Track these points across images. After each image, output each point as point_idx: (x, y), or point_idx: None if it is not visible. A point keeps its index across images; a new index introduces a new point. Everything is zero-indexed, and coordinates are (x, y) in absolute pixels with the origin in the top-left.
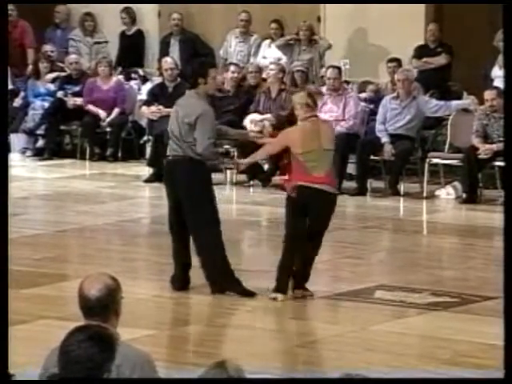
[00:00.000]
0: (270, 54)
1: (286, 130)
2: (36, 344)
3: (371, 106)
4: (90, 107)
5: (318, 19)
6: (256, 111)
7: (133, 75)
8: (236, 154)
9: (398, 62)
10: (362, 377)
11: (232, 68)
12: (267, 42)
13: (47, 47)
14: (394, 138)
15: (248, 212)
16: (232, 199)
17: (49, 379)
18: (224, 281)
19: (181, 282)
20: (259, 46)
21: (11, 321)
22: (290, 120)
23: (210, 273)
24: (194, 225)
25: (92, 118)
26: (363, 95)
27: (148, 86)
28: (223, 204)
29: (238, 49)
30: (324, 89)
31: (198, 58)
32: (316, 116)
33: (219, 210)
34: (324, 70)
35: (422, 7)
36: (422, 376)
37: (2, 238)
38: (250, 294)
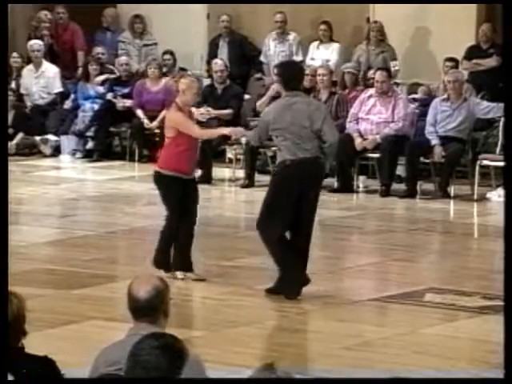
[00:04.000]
0: (318, 56)
1: None
2: (85, 344)
3: (421, 108)
4: (138, 112)
5: (367, 20)
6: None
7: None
8: None
9: (455, 61)
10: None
11: (276, 70)
12: (316, 43)
13: (97, 49)
14: (445, 139)
15: None
16: None
17: (99, 379)
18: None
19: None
20: (300, 44)
21: (61, 321)
22: None
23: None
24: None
25: (141, 119)
26: (413, 97)
27: None
28: None
29: (278, 50)
30: (372, 91)
31: (246, 59)
32: None
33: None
34: (372, 72)
35: (473, 7)
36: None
37: (2, 238)
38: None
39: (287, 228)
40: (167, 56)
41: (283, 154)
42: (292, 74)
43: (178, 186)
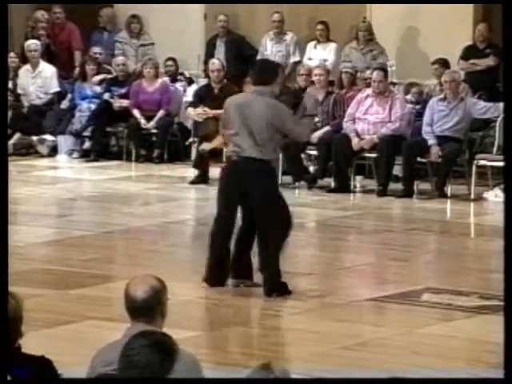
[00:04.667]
0: (315, 56)
1: None
2: (83, 344)
3: (417, 107)
4: (135, 112)
5: (364, 20)
6: (303, 115)
7: (178, 77)
8: (281, 156)
9: (444, 62)
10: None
11: None
12: (313, 43)
13: (94, 49)
14: (441, 139)
15: (293, 214)
16: None
17: (97, 379)
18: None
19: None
20: (297, 44)
21: (58, 321)
22: None
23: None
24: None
25: (138, 119)
26: (409, 97)
27: (193, 87)
28: None
29: (275, 50)
30: (369, 91)
31: (243, 59)
32: None
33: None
34: (369, 72)
35: (470, 7)
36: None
37: (3, 238)
38: (289, 293)
39: (228, 224)
40: (170, 62)
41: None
42: (258, 71)
43: None
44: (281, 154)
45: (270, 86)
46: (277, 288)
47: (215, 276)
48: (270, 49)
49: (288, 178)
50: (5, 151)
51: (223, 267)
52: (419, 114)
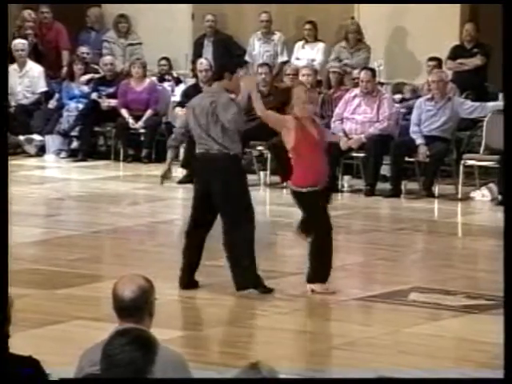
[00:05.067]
0: (303, 56)
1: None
2: (71, 344)
3: (408, 103)
4: (123, 112)
5: (352, 19)
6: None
7: (166, 77)
8: (269, 155)
9: (438, 61)
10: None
11: (260, 69)
12: (301, 43)
13: (82, 49)
14: (429, 139)
15: (281, 214)
16: (265, 200)
17: (84, 379)
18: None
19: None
20: (284, 43)
21: (46, 321)
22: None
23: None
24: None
25: (126, 119)
26: (397, 96)
27: (181, 87)
28: (257, 205)
29: (263, 50)
30: (357, 90)
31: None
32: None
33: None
34: (357, 71)
35: (457, 7)
36: (456, 376)
37: (3, 238)
38: (269, 291)
39: (197, 223)
40: (163, 62)
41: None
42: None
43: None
44: (269, 154)
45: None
46: (251, 283)
47: (186, 279)
48: (257, 49)
49: (276, 178)
50: (5, 151)
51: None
52: (410, 114)
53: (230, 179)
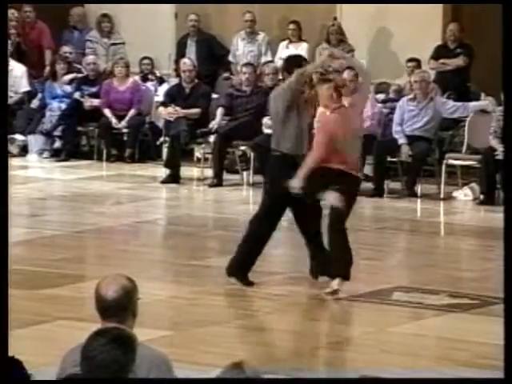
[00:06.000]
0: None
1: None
2: (54, 344)
3: (392, 104)
4: (106, 111)
5: (335, 19)
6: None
7: (149, 76)
8: (253, 155)
9: (417, 62)
10: (376, 378)
11: (244, 69)
12: (285, 42)
13: (65, 49)
14: (411, 139)
15: None
16: (249, 200)
17: (67, 379)
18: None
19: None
20: (268, 43)
21: (29, 321)
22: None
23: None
24: None
25: (109, 119)
26: (379, 96)
27: (165, 87)
28: (240, 205)
29: (247, 49)
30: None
31: (214, 58)
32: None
33: (236, 210)
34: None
35: (439, 8)
36: (439, 377)
37: (3, 239)
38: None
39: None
40: (146, 61)
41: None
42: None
43: None
44: (252, 154)
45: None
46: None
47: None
48: (241, 48)
49: (259, 178)
50: (5, 151)
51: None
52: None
53: None
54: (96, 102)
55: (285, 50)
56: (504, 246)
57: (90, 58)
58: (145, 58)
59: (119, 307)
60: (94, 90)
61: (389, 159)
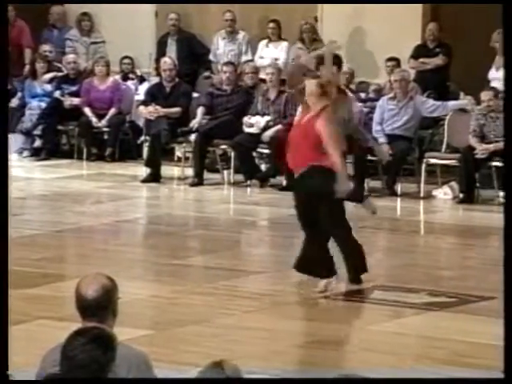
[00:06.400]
0: (267, 54)
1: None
2: (34, 344)
3: (372, 103)
4: (86, 110)
5: (315, 19)
6: (257, 113)
7: (130, 75)
8: (233, 154)
9: (396, 61)
10: (358, 377)
11: (225, 68)
12: (265, 41)
13: (45, 47)
14: (391, 138)
15: (245, 212)
16: (229, 199)
17: (47, 379)
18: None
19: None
20: (249, 43)
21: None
22: None
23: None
24: None
25: (89, 118)
26: (360, 95)
27: (145, 86)
28: (221, 204)
29: (228, 49)
30: None
31: (195, 57)
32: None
33: (217, 210)
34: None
35: (419, 7)
36: (419, 376)
37: (3, 238)
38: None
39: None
40: (126, 60)
41: None
42: None
43: None
44: (232, 153)
45: None
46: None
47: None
48: (222, 47)
49: (240, 177)
50: (5, 151)
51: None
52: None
53: None
54: (76, 100)
55: (265, 49)
56: (504, 246)
57: (70, 57)
58: (125, 57)
59: (99, 306)
60: (74, 88)
61: (369, 158)
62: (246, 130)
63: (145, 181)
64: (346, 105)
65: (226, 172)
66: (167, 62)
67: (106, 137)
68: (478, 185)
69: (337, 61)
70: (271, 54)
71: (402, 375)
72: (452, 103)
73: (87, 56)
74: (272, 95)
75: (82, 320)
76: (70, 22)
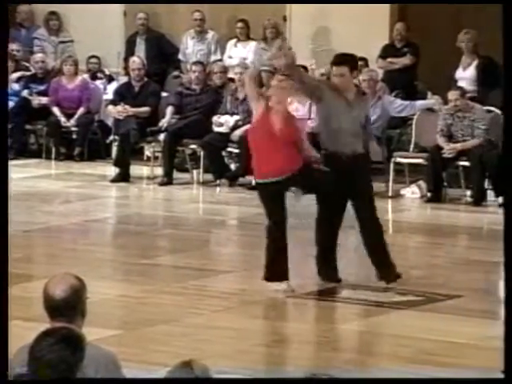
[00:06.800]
0: (235, 54)
1: None
2: None
3: None
4: (54, 110)
5: (284, 18)
6: (226, 113)
7: (98, 74)
8: (202, 153)
9: (364, 61)
10: (328, 376)
11: (194, 67)
12: (233, 41)
13: (12, 46)
14: None
15: (214, 211)
16: (198, 199)
17: (15, 380)
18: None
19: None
20: (218, 42)
21: None
22: None
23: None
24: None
25: (57, 117)
26: None
27: (114, 85)
28: (190, 203)
29: (197, 48)
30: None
31: (164, 57)
32: None
33: (186, 209)
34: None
35: (386, 7)
36: (386, 375)
37: (3, 238)
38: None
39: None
40: (93, 60)
41: None
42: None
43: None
44: (202, 152)
45: None
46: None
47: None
48: (191, 47)
49: (209, 176)
50: (5, 151)
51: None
52: None
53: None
54: (44, 100)
55: (233, 49)
56: (504, 246)
57: (38, 56)
58: (92, 56)
59: (68, 307)
60: (42, 88)
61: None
62: (216, 129)
63: (114, 180)
64: (366, 104)
65: (195, 171)
66: (136, 61)
67: (74, 136)
68: (445, 184)
69: (353, 62)
70: (240, 54)
71: (369, 375)
72: (420, 103)
73: (55, 55)
74: (241, 95)
75: (51, 320)
76: (38, 21)
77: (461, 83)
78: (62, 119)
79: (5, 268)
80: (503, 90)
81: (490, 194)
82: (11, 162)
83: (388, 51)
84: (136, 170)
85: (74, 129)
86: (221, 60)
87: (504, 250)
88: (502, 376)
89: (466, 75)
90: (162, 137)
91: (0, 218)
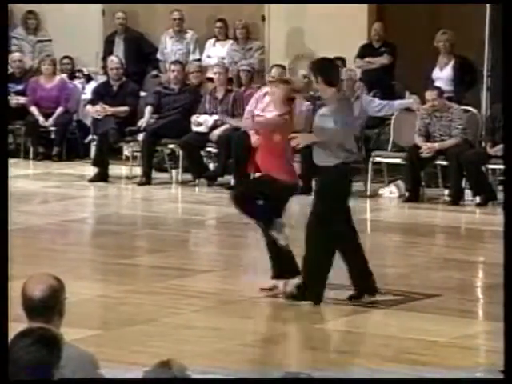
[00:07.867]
0: (214, 53)
1: None
2: None
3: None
4: (32, 109)
5: (263, 18)
6: (205, 112)
7: (77, 74)
8: (181, 153)
9: (341, 61)
10: (306, 376)
11: (173, 67)
12: (212, 40)
13: None
14: None
15: (193, 211)
16: (177, 198)
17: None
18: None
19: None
20: (197, 42)
21: None
22: None
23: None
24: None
25: (35, 117)
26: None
27: (92, 84)
28: (169, 203)
29: (176, 48)
30: (267, 88)
31: (142, 56)
32: None
33: (165, 209)
34: (269, 68)
35: (364, 7)
36: (367, 374)
37: (2, 238)
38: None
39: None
40: (66, 60)
41: None
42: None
43: None
44: (181, 152)
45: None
46: None
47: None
48: (170, 47)
49: (188, 176)
50: (5, 151)
51: None
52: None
53: None
54: (22, 99)
55: (212, 48)
56: (504, 246)
57: (15, 55)
58: (65, 57)
59: (46, 307)
60: (20, 87)
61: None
62: (194, 129)
63: (92, 180)
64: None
65: (174, 171)
66: (114, 60)
67: (52, 136)
68: (423, 183)
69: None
70: (218, 53)
71: (350, 374)
72: (398, 102)
73: (33, 54)
74: (219, 94)
75: (28, 320)
76: (16, 20)
77: (438, 83)
78: (40, 119)
79: (5, 268)
80: (503, 90)
81: (468, 194)
82: None
83: (366, 51)
84: (115, 169)
85: (52, 128)
86: (200, 60)
87: (504, 250)
88: (500, 376)
89: (442, 75)
90: (140, 136)
91: (1, 218)
